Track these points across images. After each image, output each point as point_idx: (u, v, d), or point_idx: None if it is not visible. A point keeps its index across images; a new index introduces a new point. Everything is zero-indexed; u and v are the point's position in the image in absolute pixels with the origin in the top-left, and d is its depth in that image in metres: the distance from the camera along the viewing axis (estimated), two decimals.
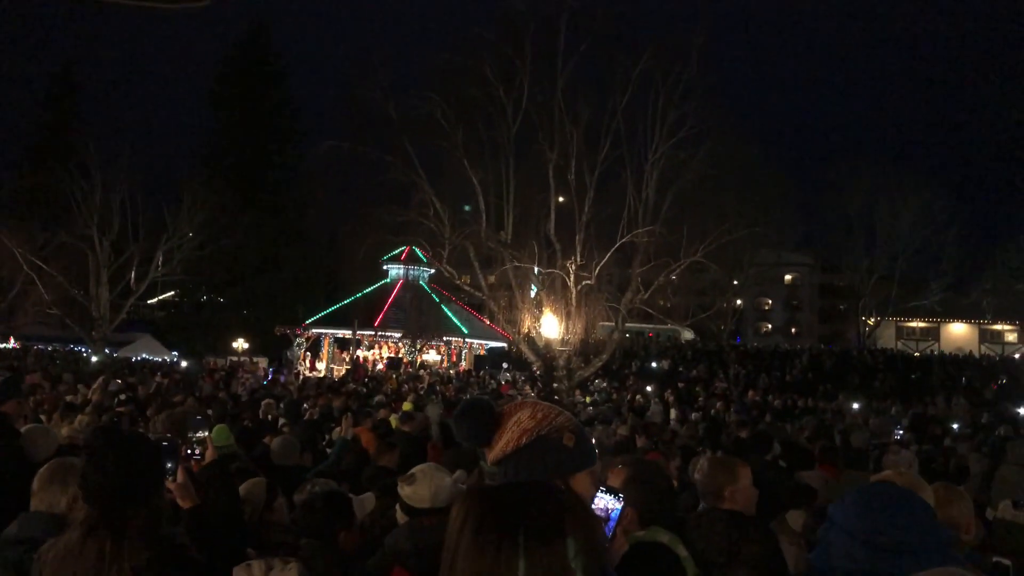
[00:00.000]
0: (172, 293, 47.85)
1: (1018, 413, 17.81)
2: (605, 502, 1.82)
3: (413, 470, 3.23)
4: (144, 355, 36.18)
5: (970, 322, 53.61)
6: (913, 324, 54.69)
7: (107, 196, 33.54)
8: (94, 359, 29.85)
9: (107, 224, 33.66)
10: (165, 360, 34.16)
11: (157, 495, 2.40)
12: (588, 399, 20.02)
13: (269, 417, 9.64)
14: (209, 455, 2.95)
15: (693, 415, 16.69)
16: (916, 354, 40.14)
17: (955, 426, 13.24)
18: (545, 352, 24.89)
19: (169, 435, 3.09)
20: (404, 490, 3.16)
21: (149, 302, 45.17)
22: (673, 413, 16.24)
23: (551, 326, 24.62)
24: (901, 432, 10.29)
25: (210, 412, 9.33)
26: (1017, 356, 41.85)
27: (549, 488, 1.47)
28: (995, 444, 8.56)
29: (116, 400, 8.83)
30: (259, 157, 48.51)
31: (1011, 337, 51.10)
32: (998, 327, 52.46)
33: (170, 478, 2.68)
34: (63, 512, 2.69)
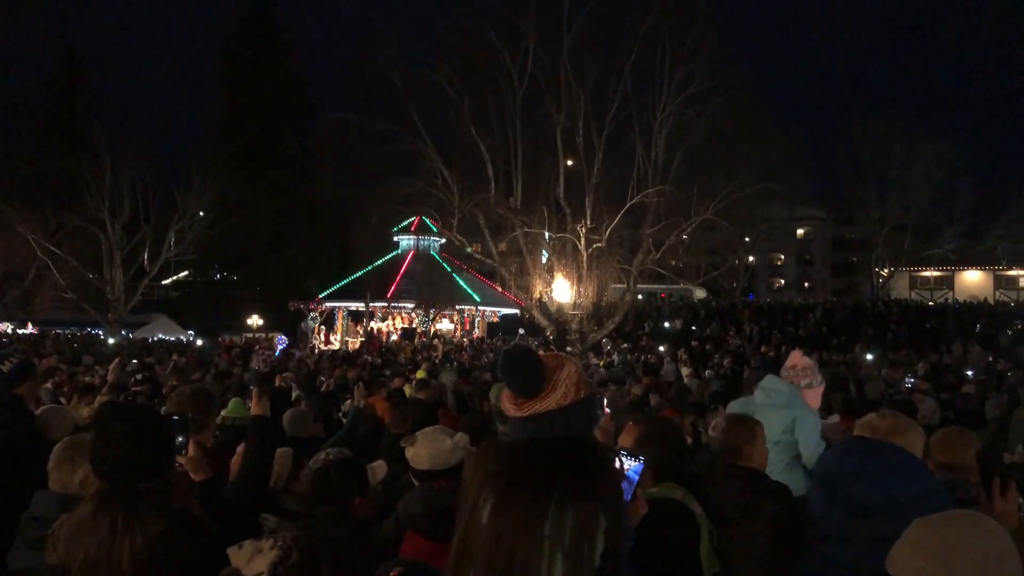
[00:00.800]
0: (186, 273, 48.09)
1: None
2: (625, 463, 1.81)
3: (416, 433, 3.29)
4: (160, 335, 36.49)
5: (985, 269, 53.19)
6: (927, 273, 54.33)
7: (117, 178, 33.60)
8: (111, 341, 30.13)
9: (118, 206, 33.78)
10: (181, 339, 34.44)
11: (168, 467, 2.42)
12: (603, 362, 20.03)
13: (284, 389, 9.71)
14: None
15: (707, 373, 16.69)
16: (931, 303, 39.91)
17: (970, 373, 13.20)
18: (557, 317, 24.94)
19: (179, 411, 3.11)
20: (408, 452, 3.22)
21: (163, 283, 45.43)
22: (686, 372, 16.22)
23: (563, 290, 24.64)
24: (911, 381, 10.25)
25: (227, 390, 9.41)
26: None
27: (592, 444, 1.45)
28: (1011, 389, 8.53)
29: (133, 380, 8.92)
30: (267, 133, 48.40)
31: None
32: (1013, 273, 52.04)
33: (182, 453, 2.70)
34: (75, 490, 2.72)
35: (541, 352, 1.77)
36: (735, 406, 4.78)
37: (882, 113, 45.55)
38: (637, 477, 1.81)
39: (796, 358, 4.88)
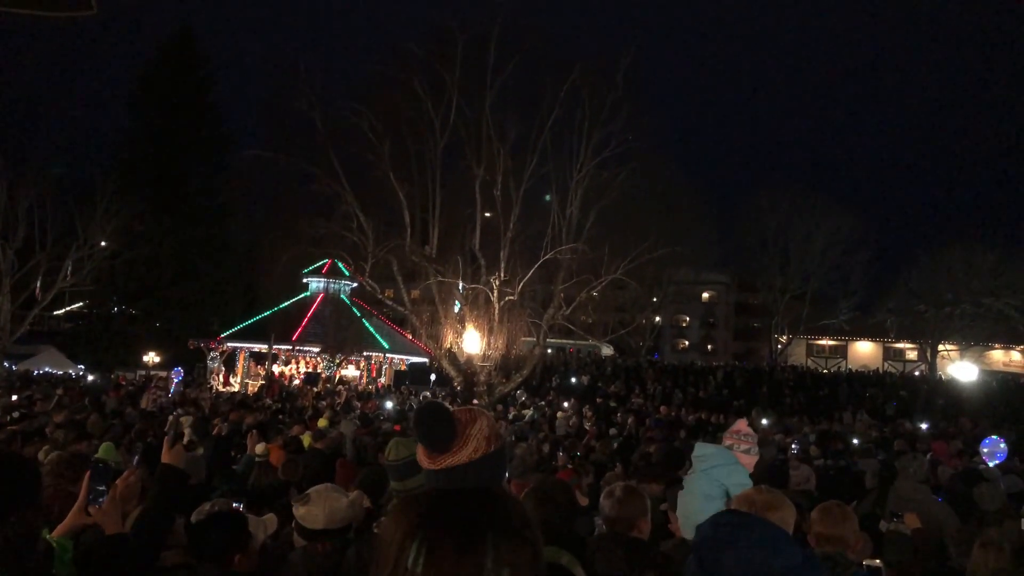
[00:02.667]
0: (80, 304, 45.79)
1: (916, 428, 18.65)
2: None
3: (309, 491, 3.18)
4: (47, 368, 34.57)
5: (875, 340, 56.03)
6: (823, 342, 56.77)
7: (12, 200, 31.97)
8: None
9: (11, 230, 32.06)
10: (70, 373, 32.68)
11: (16, 516, 2.27)
12: (511, 415, 20.01)
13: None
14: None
15: (611, 431, 16.87)
16: (824, 371, 41.63)
17: (855, 441, 13.74)
18: (466, 367, 24.85)
19: (102, 458, 2.91)
20: (298, 510, 3.10)
21: (55, 313, 43.14)
22: (589, 427, 16.36)
23: (473, 341, 24.61)
24: (796, 448, 10.63)
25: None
26: (916, 373, 43.94)
27: (501, 493, 1.47)
28: (889, 459, 8.94)
29: (9, 417, 8.39)
30: (179, 164, 46.92)
31: (912, 355, 53.62)
32: (900, 345, 54.97)
33: (98, 504, 2.55)
34: None
35: (454, 406, 1.81)
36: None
37: (783, 187, 47.75)
38: None
39: (742, 425, 4.99)
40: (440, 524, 1.32)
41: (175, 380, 24.75)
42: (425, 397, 24.57)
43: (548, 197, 25.28)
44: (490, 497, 1.41)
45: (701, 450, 4.70)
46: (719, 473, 4.60)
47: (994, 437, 9.91)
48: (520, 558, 1.31)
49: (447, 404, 1.91)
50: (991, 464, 9.17)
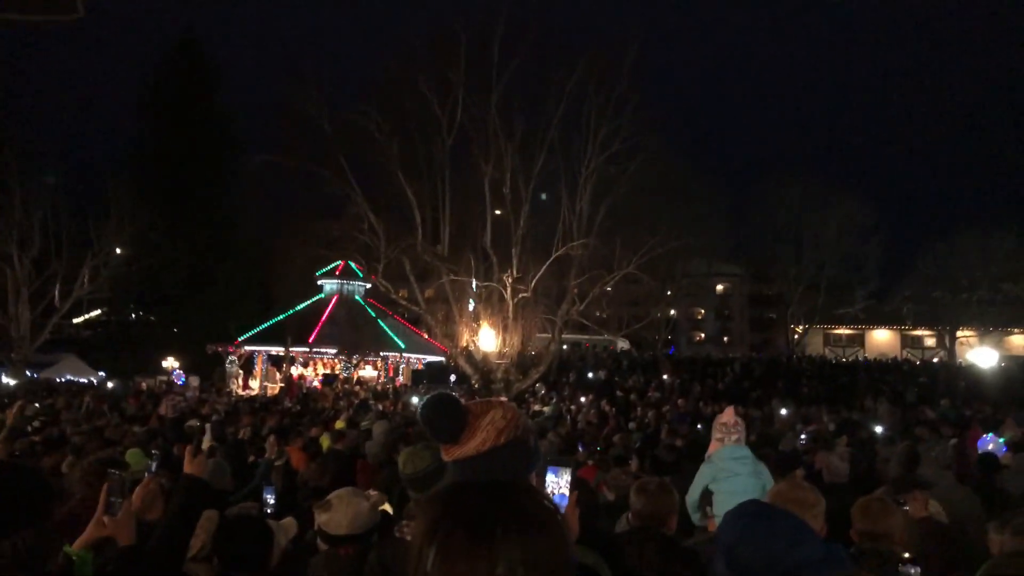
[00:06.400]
0: (99, 311, 46.14)
1: (938, 415, 18.48)
2: (554, 481, 1.86)
3: (329, 496, 3.15)
4: (68, 376, 34.86)
5: (893, 328, 55.63)
6: (839, 331, 56.42)
7: (28, 211, 32.23)
8: (12, 382, 28.61)
9: (28, 240, 32.33)
10: (91, 381, 32.94)
11: (26, 529, 2.26)
12: (545, 408, 20.07)
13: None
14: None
15: (630, 425, 16.83)
16: (843, 360, 41.39)
17: (878, 429, 13.63)
18: (483, 365, 24.88)
19: (116, 471, 2.89)
20: (320, 517, 3.06)
21: (75, 321, 43.47)
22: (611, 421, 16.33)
23: (488, 339, 24.64)
24: (803, 438, 10.58)
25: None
26: (935, 360, 43.60)
27: (521, 485, 1.44)
28: (911, 446, 8.84)
29: (31, 427, 8.45)
30: (189, 170, 47.26)
31: (930, 342, 53.16)
32: (918, 333, 54.54)
33: (115, 514, 2.55)
34: None
35: (473, 399, 1.81)
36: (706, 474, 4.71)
37: (795, 175, 47.35)
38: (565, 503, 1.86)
39: (728, 415, 4.95)
40: (452, 519, 1.30)
41: (179, 383, 24.88)
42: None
43: (544, 196, 25.21)
44: (502, 489, 1.37)
45: (740, 451, 4.66)
46: (767, 475, 4.59)
47: (989, 435, 9.70)
48: (536, 554, 1.26)
49: (459, 397, 1.91)
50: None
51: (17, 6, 2.76)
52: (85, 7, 2.76)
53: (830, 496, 3.12)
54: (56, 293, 33.39)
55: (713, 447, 4.79)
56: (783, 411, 18.45)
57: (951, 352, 45.41)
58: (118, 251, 35.05)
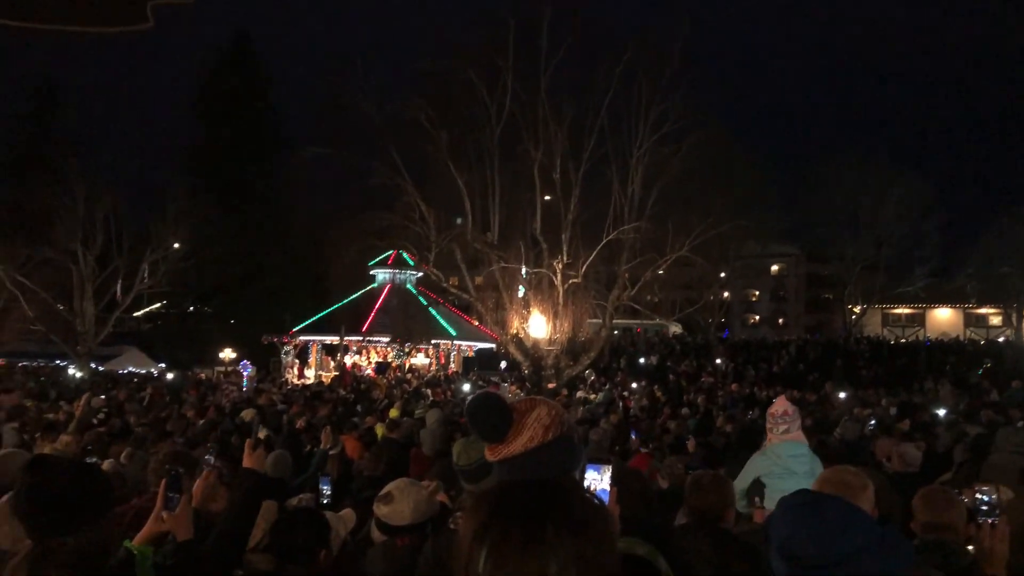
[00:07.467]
0: (158, 305, 47.50)
1: (1006, 397, 17.91)
2: (595, 478, 1.85)
3: (388, 487, 3.16)
4: (130, 368, 35.94)
5: (955, 307, 53.91)
6: (899, 311, 54.96)
7: (90, 210, 33.26)
8: (78, 374, 29.62)
9: (91, 238, 33.39)
10: (152, 372, 33.90)
11: (89, 526, 2.32)
12: (592, 396, 19.98)
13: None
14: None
15: (683, 410, 16.67)
16: (902, 340, 40.33)
17: (941, 412, 13.25)
18: (533, 352, 24.90)
19: (174, 467, 2.96)
20: (381, 509, 3.08)
21: (136, 314, 44.81)
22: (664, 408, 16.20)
23: (538, 326, 24.64)
24: (872, 425, 10.25)
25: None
26: (1001, 339, 42.11)
27: (568, 484, 1.44)
28: (981, 430, 8.57)
29: (95, 419, 8.71)
30: (243, 165, 48.32)
31: (995, 320, 51.35)
32: (982, 311, 52.75)
33: (174, 510, 2.60)
34: (8, 545, 2.64)
35: (523, 391, 1.80)
36: (757, 465, 4.59)
37: (850, 152, 46.02)
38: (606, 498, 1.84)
39: (780, 404, 4.80)
40: (503, 519, 1.29)
41: (244, 374, 25.38)
42: (489, 383, 24.63)
43: (554, 188, 24.79)
44: (551, 488, 1.36)
45: (797, 449, 4.54)
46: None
47: None
48: (586, 552, 1.25)
49: (504, 394, 1.90)
50: None
51: (90, 19, 2.82)
52: (155, 16, 2.80)
53: (900, 486, 3.00)
54: (118, 288, 34.51)
55: (769, 440, 4.68)
56: (841, 395, 18.06)
57: (1019, 331, 43.77)
58: (176, 246, 35.95)
